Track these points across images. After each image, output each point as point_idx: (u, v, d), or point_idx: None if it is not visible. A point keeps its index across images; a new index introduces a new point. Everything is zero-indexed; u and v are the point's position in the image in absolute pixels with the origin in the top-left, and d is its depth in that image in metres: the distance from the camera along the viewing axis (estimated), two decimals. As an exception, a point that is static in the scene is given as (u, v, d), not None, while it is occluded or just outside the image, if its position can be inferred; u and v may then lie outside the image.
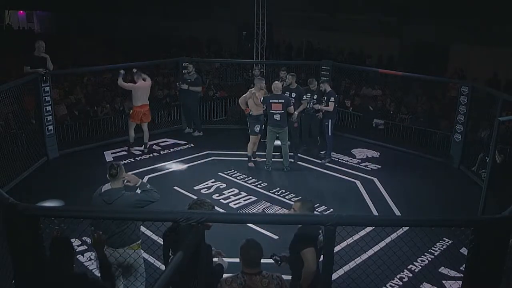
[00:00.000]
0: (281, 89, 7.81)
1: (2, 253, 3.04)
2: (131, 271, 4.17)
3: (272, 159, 8.05)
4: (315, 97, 8.51)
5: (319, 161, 8.51)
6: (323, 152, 8.68)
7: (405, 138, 9.77)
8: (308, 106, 8.52)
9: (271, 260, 3.56)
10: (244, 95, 8.12)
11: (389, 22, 16.22)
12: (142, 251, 4.30)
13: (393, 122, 10.19)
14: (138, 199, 4.06)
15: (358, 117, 10.51)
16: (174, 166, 8.20)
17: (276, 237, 5.63)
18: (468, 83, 8.51)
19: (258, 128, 8.00)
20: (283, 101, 7.63)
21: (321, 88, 8.34)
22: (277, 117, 7.62)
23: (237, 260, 3.05)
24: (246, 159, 8.21)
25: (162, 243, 3.74)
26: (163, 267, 4.39)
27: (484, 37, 13.74)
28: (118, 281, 4.19)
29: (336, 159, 8.66)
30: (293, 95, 8.33)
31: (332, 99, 8.12)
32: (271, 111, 7.62)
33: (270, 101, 7.61)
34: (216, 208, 6.60)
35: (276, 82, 7.91)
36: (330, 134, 8.34)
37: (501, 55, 13.22)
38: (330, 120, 8.24)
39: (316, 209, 6.66)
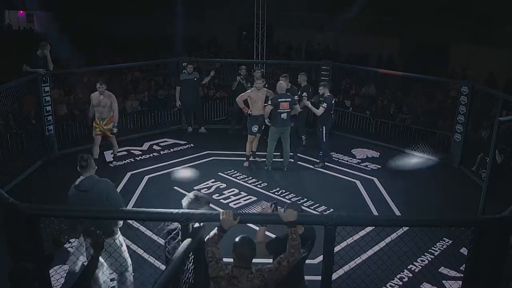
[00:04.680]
0: (285, 88, 7.80)
1: (2, 253, 3.04)
2: (115, 264, 4.17)
3: (273, 159, 8.05)
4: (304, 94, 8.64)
5: (312, 166, 8.37)
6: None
7: (405, 138, 9.77)
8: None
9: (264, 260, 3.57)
10: (241, 95, 8.13)
11: (389, 22, 16.22)
12: (123, 240, 4.32)
13: (393, 122, 10.19)
14: (113, 188, 4.28)
15: (358, 117, 10.51)
16: (174, 166, 8.19)
17: (275, 236, 5.62)
18: (468, 83, 8.51)
19: (256, 128, 8.02)
20: (290, 100, 7.65)
21: (319, 91, 8.28)
22: (284, 116, 7.61)
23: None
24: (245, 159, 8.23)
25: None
26: (163, 267, 4.40)
27: (484, 37, 13.74)
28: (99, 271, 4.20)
29: (336, 159, 8.66)
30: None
31: (324, 104, 7.87)
32: (279, 110, 7.58)
33: (279, 100, 7.59)
34: (216, 208, 6.64)
35: (281, 82, 7.90)
36: (324, 140, 8.15)
37: (500, 55, 13.21)
38: (324, 127, 8.07)
39: (316, 209, 6.68)
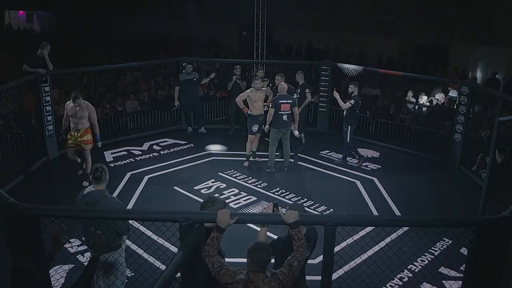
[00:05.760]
0: (286, 89, 7.78)
1: (2, 253, 3.04)
2: (111, 271, 4.15)
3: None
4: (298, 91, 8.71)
5: (337, 159, 8.55)
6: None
7: (405, 138, 9.76)
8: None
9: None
10: (240, 95, 8.13)
11: (389, 22, 16.21)
12: (123, 251, 4.27)
13: (393, 122, 10.19)
14: (119, 204, 4.14)
15: (358, 117, 10.49)
16: (174, 166, 8.19)
17: (276, 237, 5.62)
18: (468, 83, 8.50)
19: (256, 128, 8.02)
20: (291, 101, 7.62)
21: (349, 90, 8.23)
22: (285, 117, 7.58)
23: (237, 259, 3.06)
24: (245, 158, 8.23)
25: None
26: (163, 267, 4.39)
27: (484, 37, 13.74)
28: (99, 280, 4.19)
29: (336, 159, 8.66)
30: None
31: (352, 101, 7.92)
32: (280, 112, 7.55)
33: (280, 102, 7.56)
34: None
35: (283, 83, 7.89)
36: (348, 140, 8.17)
37: (501, 55, 13.22)
38: (349, 127, 8.08)
39: (316, 209, 6.68)
